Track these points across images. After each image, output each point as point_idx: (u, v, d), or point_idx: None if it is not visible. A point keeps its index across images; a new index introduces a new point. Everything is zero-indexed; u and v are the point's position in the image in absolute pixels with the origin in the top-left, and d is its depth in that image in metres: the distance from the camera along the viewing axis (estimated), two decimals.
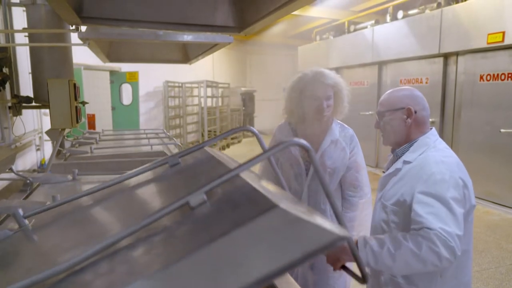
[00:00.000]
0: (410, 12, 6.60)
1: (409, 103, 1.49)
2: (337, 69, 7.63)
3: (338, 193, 2.08)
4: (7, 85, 3.08)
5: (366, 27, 7.62)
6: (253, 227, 0.49)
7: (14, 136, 3.44)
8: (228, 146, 10.71)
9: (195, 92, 10.26)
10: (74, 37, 2.61)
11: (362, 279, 0.75)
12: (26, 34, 3.29)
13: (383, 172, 1.63)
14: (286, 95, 2.00)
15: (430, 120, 1.58)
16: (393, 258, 1.28)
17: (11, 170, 2.02)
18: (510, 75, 4.92)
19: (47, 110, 2.95)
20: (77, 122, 2.95)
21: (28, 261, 0.74)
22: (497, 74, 5.08)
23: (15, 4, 3.31)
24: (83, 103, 3.40)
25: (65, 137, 3.45)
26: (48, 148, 4.64)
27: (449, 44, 5.61)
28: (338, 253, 1.41)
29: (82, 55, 4.61)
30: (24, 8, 3.19)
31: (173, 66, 8.01)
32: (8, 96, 3.29)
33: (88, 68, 6.59)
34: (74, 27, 2.03)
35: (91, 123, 6.58)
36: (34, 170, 3.77)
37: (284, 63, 13.54)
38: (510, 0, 4.70)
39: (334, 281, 2.08)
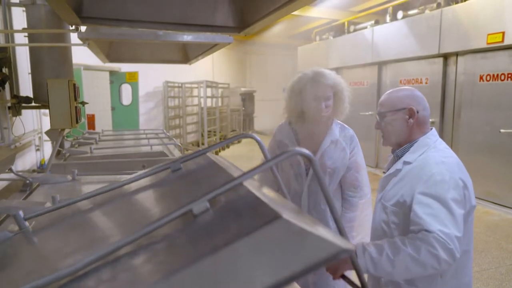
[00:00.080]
0: (410, 12, 6.60)
1: (410, 103, 1.49)
2: (337, 69, 7.63)
3: (338, 193, 2.08)
4: (7, 85, 3.08)
5: (366, 28, 7.63)
6: (257, 238, 0.48)
7: (14, 136, 3.43)
8: (227, 146, 10.71)
9: (195, 92, 10.26)
10: (74, 37, 2.61)
11: None
12: (26, 34, 3.29)
13: (384, 172, 1.63)
14: (286, 95, 2.00)
15: (430, 120, 1.58)
16: (392, 264, 1.27)
17: (10, 170, 2.02)
18: (509, 75, 4.92)
19: (47, 110, 2.95)
20: (77, 122, 2.94)
21: (29, 264, 0.74)
22: (497, 74, 5.08)
23: (15, 4, 3.31)
24: (83, 103, 3.40)
25: (65, 137, 3.45)
26: (47, 148, 4.64)
27: (449, 44, 5.61)
28: (338, 262, 1.41)
29: (81, 55, 4.61)
30: (24, 8, 3.19)
31: (173, 66, 8.02)
32: (8, 96, 3.29)
33: (88, 68, 6.58)
34: (73, 27, 2.03)
35: (91, 124, 6.58)
36: (33, 170, 3.76)
37: (284, 63, 13.53)
38: (510, 0, 4.70)
39: (335, 281, 2.08)
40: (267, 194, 0.62)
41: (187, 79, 9.41)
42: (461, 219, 1.29)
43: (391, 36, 6.78)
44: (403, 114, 1.49)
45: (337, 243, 0.46)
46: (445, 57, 5.88)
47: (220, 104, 10.88)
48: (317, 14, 8.88)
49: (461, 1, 5.51)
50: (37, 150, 4.43)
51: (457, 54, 5.66)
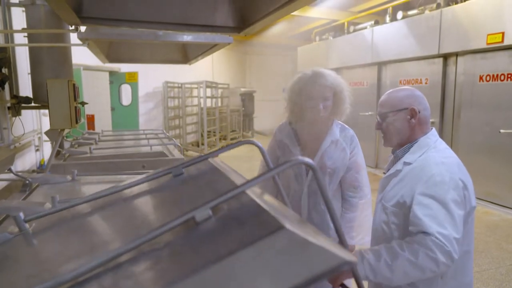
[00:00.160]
0: (410, 12, 6.60)
1: (412, 103, 1.48)
2: (337, 70, 7.59)
3: (338, 194, 2.08)
4: (6, 86, 3.08)
5: (365, 28, 7.63)
6: (260, 248, 0.48)
7: (13, 136, 3.43)
8: (227, 146, 10.69)
9: (195, 92, 10.25)
10: (74, 38, 2.61)
11: None
12: (26, 34, 3.29)
13: (384, 173, 1.63)
14: (286, 95, 2.00)
15: (430, 120, 1.58)
16: (391, 269, 1.27)
17: (10, 170, 2.01)
18: (509, 75, 4.92)
19: (47, 111, 2.94)
20: (77, 122, 2.94)
21: (29, 268, 0.73)
22: (497, 75, 5.08)
23: (14, 5, 3.31)
24: (83, 103, 3.40)
25: (65, 138, 3.45)
26: (47, 149, 4.63)
27: (449, 45, 5.61)
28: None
29: (81, 55, 4.61)
30: (24, 9, 3.18)
31: (173, 66, 8.01)
32: (8, 97, 3.28)
33: (88, 68, 6.58)
34: (73, 27, 2.02)
35: (91, 124, 6.58)
36: (33, 171, 3.76)
37: (284, 63, 13.55)
38: (510, 1, 4.70)
39: None
40: (269, 202, 0.62)
41: (187, 79, 9.40)
42: (460, 220, 1.29)
43: (391, 37, 6.78)
44: (404, 114, 1.48)
45: (340, 255, 0.46)
46: (445, 57, 5.88)
47: (220, 104, 10.87)
48: (317, 14, 8.88)
49: (461, 2, 5.51)
50: (37, 150, 4.42)
51: (457, 54, 5.66)
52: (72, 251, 0.75)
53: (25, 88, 3.62)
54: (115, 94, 7.97)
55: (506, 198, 5.05)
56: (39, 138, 4.48)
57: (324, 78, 1.88)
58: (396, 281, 1.30)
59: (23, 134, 3.59)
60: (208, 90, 9.53)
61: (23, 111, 3.51)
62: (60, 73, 3.19)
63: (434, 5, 6.03)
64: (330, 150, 1.97)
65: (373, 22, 7.58)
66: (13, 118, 3.42)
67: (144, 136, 3.81)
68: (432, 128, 1.54)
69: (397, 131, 1.51)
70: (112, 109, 7.90)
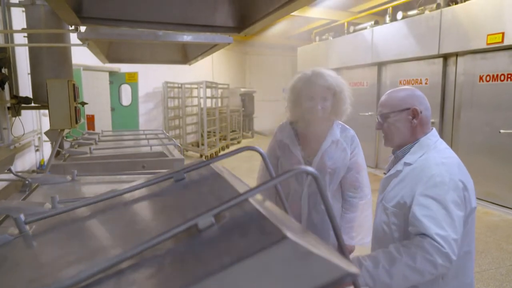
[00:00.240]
0: (410, 13, 6.60)
1: (413, 103, 1.48)
2: (337, 70, 7.60)
3: (339, 194, 2.08)
4: (6, 86, 3.08)
5: (365, 28, 7.63)
6: (262, 258, 0.48)
7: (13, 136, 3.43)
8: (227, 146, 10.71)
9: (195, 93, 10.25)
10: (74, 38, 2.60)
11: None
12: (25, 34, 3.28)
13: (384, 173, 1.62)
14: (286, 95, 2.00)
15: (431, 121, 1.58)
16: (389, 275, 1.26)
17: (10, 170, 2.01)
18: (509, 75, 4.93)
19: (46, 111, 2.94)
20: (76, 122, 2.94)
21: (29, 271, 0.73)
22: (497, 75, 5.08)
23: (14, 5, 3.31)
24: (83, 103, 3.39)
25: (64, 138, 3.45)
26: (47, 149, 4.63)
27: (449, 45, 5.61)
28: None
29: (81, 55, 4.61)
30: (23, 9, 3.18)
31: (173, 66, 8.01)
32: (7, 97, 3.28)
33: (88, 68, 6.58)
34: (73, 27, 2.02)
35: (90, 124, 6.58)
36: (33, 171, 3.76)
37: (284, 64, 13.57)
38: (510, 1, 4.70)
39: None
40: (271, 210, 0.62)
41: (186, 79, 9.40)
42: (459, 221, 1.29)
43: (390, 37, 6.79)
44: (406, 114, 1.48)
45: (343, 266, 0.45)
46: (445, 57, 5.88)
47: (219, 104, 10.87)
48: (317, 14, 8.88)
49: (461, 2, 5.52)
50: (37, 150, 4.42)
51: (456, 54, 5.66)
52: (73, 255, 0.75)
53: (25, 88, 3.62)
54: (115, 94, 7.97)
55: (506, 198, 5.05)
56: (39, 138, 4.48)
57: (322, 78, 1.88)
58: (396, 286, 1.29)
59: (23, 134, 3.59)
60: (208, 90, 9.53)
61: (23, 111, 3.51)
62: (60, 73, 3.19)
63: (434, 5, 6.03)
64: (330, 150, 1.97)
65: (373, 22, 7.58)
66: (13, 118, 3.42)
67: (144, 136, 3.81)
68: (432, 129, 1.53)
69: (399, 131, 1.50)
70: (112, 109, 7.90)
